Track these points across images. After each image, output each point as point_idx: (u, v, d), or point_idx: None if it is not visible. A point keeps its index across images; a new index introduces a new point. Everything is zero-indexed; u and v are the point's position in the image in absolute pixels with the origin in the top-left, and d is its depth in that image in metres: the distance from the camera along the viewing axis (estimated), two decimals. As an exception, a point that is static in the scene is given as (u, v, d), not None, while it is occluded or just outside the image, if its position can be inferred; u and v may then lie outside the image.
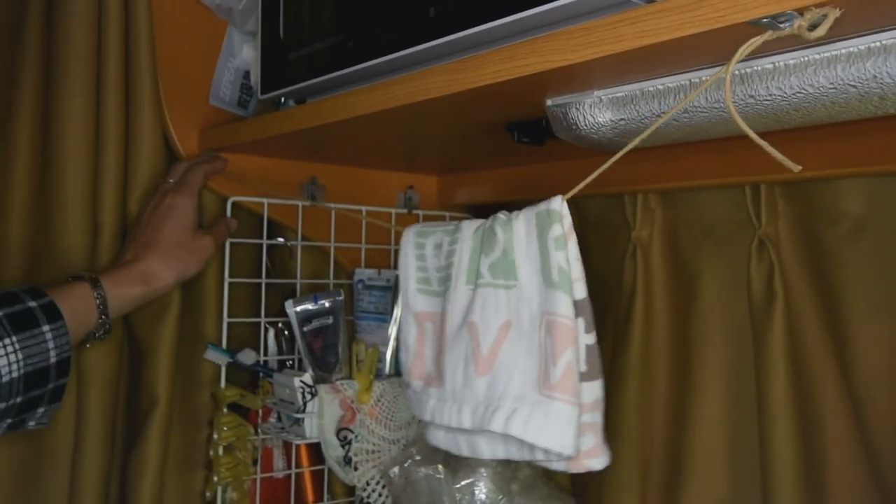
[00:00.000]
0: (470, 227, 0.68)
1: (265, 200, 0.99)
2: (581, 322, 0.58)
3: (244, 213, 1.01)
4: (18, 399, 0.70)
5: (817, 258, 0.79)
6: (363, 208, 1.05)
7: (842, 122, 0.55)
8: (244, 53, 0.98)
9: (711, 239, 0.87)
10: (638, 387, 0.89)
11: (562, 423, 0.55)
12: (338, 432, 0.94)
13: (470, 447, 0.63)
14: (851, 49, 0.48)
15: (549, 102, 0.64)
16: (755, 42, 0.44)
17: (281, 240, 1.03)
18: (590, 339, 0.59)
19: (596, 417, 0.59)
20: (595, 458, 0.59)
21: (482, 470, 0.89)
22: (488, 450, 0.62)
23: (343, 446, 0.95)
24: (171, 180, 0.91)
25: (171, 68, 0.94)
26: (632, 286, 0.90)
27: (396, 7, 0.67)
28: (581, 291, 0.57)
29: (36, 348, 0.70)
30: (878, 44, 0.46)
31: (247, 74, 1.00)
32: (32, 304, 0.72)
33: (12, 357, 0.69)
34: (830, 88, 0.49)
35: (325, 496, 1.05)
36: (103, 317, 0.79)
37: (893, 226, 0.74)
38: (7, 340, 0.69)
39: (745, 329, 0.82)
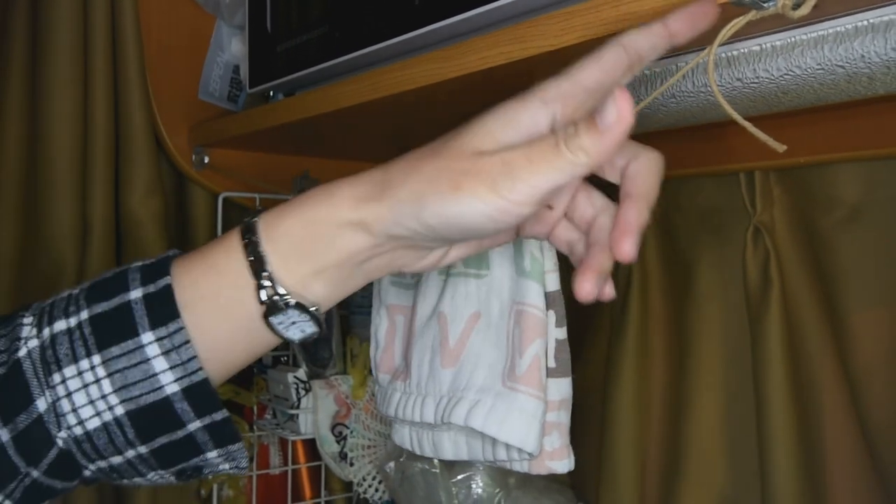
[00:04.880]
0: None
1: (257, 195, 0.98)
2: (552, 315, 0.55)
3: (236, 209, 1.00)
4: (142, 450, 0.43)
5: (813, 245, 0.78)
6: (356, 202, 1.04)
7: (834, 105, 0.54)
8: (233, 48, 0.98)
9: (706, 227, 0.86)
10: (634, 377, 0.88)
11: (525, 418, 0.52)
12: (333, 428, 0.94)
13: (433, 445, 0.61)
14: (839, 29, 0.47)
15: (537, 90, 0.63)
16: (738, 23, 0.43)
17: (274, 235, 1.02)
18: (560, 333, 0.56)
19: (562, 417, 0.57)
20: (559, 461, 0.56)
21: (478, 464, 0.89)
22: (451, 449, 0.59)
23: (338, 442, 0.94)
24: None
25: (159, 64, 0.94)
26: (627, 275, 0.89)
27: (381, -4, 0.66)
28: (553, 283, 0.55)
29: (133, 372, 0.41)
30: (865, 23, 0.46)
31: (236, 69, 0.99)
32: (135, 293, 0.42)
33: (94, 391, 0.41)
34: (818, 69, 0.48)
35: (323, 492, 1.05)
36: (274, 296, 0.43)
37: (889, 211, 0.73)
38: (85, 363, 0.41)
39: (742, 317, 0.81)
